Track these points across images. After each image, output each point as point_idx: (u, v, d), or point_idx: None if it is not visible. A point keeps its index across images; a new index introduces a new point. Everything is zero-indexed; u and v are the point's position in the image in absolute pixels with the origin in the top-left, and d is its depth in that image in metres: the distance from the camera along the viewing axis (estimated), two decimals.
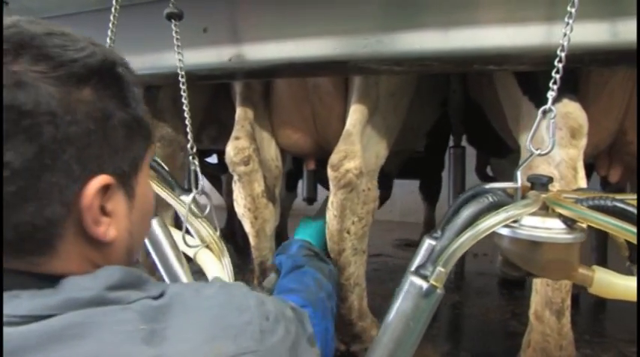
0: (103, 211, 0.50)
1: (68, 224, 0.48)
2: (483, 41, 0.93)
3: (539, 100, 1.07)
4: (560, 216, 0.64)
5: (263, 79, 1.25)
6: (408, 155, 2.62)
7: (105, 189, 0.50)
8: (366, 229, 1.17)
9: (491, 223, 0.57)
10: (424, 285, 0.58)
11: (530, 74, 1.08)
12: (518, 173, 0.69)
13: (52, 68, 0.47)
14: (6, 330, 0.42)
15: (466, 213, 0.61)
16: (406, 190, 3.01)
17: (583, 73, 1.05)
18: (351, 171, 1.05)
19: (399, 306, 0.60)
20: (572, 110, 0.96)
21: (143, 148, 0.56)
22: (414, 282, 0.59)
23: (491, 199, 0.62)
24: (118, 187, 0.52)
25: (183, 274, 0.92)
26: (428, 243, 0.84)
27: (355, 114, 1.10)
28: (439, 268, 0.57)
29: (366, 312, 1.29)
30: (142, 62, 1.25)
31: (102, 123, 0.49)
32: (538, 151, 0.71)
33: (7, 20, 0.49)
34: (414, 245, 3.22)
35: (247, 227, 1.25)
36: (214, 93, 1.64)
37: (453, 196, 2.45)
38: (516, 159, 2.12)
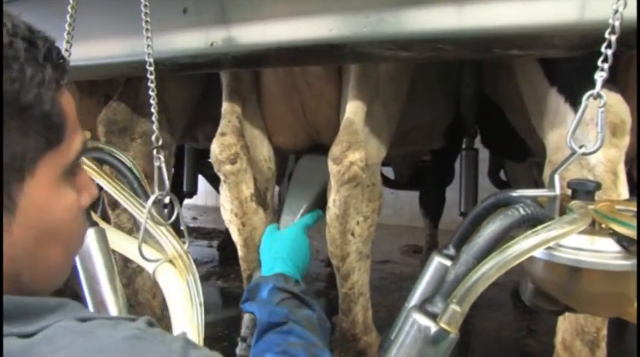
0: None
1: None
2: (506, 19, 0.78)
3: (571, 91, 0.92)
4: (613, 235, 0.49)
5: (251, 68, 1.11)
6: (417, 160, 2.45)
7: None
8: (372, 230, 1.04)
9: (527, 246, 0.42)
10: (432, 327, 0.43)
11: (559, 62, 0.92)
12: (556, 178, 0.53)
13: None
14: None
15: (490, 230, 0.46)
16: (415, 193, 2.88)
17: (623, 58, 0.89)
18: (356, 163, 0.91)
19: (401, 352, 0.45)
20: (612, 103, 0.80)
21: (37, 147, 0.42)
22: (418, 322, 0.44)
23: (522, 211, 0.47)
24: None
25: (113, 303, 0.78)
26: (437, 262, 0.69)
27: (355, 100, 0.97)
28: (453, 307, 0.42)
29: (371, 325, 1.17)
30: (116, 49, 1.12)
31: None
32: (582, 150, 0.56)
33: None
34: (421, 251, 3.07)
35: (234, 235, 1.12)
36: (206, 85, 1.51)
37: (465, 203, 2.29)
38: (536, 163, 1.98)
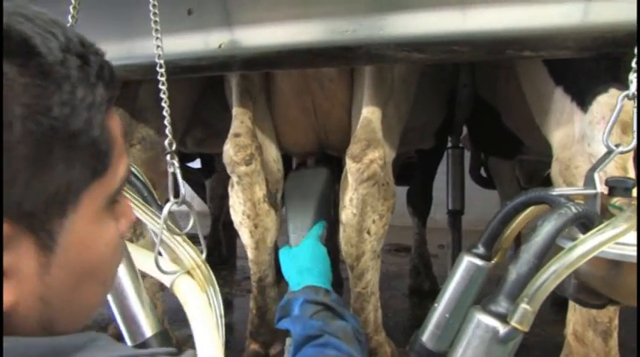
0: None
1: None
2: (521, 21, 0.80)
3: (576, 90, 0.95)
4: None
5: (261, 71, 1.10)
6: (405, 157, 2.47)
7: None
8: (386, 229, 1.05)
9: (594, 244, 0.44)
10: (500, 327, 0.44)
11: (564, 62, 0.95)
12: (596, 176, 0.55)
13: None
14: None
15: (547, 229, 0.47)
16: None
17: (626, 58, 0.93)
18: (375, 161, 0.93)
19: (468, 353, 0.45)
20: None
21: (82, 178, 0.37)
22: (485, 323, 0.45)
23: (574, 210, 0.48)
24: (21, 234, 0.34)
25: (144, 318, 0.75)
26: (467, 261, 0.70)
27: (372, 101, 0.98)
28: (524, 307, 0.43)
29: (381, 325, 1.18)
30: (115, 51, 1.08)
31: None
32: (620, 149, 0.57)
33: None
34: (403, 250, 3.10)
35: (245, 238, 1.10)
36: (202, 89, 1.48)
37: (452, 200, 2.33)
38: (518, 160, 2.03)
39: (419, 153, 2.28)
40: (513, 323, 0.43)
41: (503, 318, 0.44)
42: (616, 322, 0.89)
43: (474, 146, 2.21)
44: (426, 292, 2.29)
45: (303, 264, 0.95)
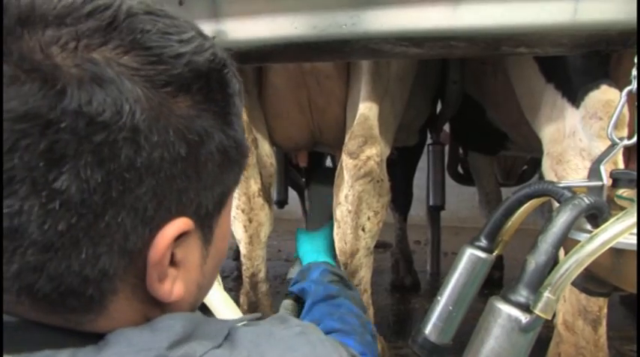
0: (171, 262, 0.37)
1: (128, 277, 0.35)
2: (520, 18, 0.81)
3: (567, 87, 0.98)
4: None
5: (256, 65, 1.08)
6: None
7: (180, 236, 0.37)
8: (380, 226, 1.06)
9: (613, 233, 0.45)
10: (522, 316, 0.45)
11: (555, 60, 0.98)
12: (602, 168, 0.57)
13: (148, 64, 0.33)
14: None
15: (562, 220, 0.48)
16: None
17: (614, 56, 0.96)
18: (372, 158, 0.93)
19: (490, 342, 0.46)
20: (613, 97, 0.86)
21: (234, 179, 0.42)
22: (506, 312, 0.46)
23: (587, 201, 0.49)
24: (195, 231, 0.38)
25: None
26: (470, 253, 0.71)
27: (369, 97, 0.98)
28: (547, 295, 0.44)
29: (371, 322, 1.18)
30: None
31: (196, 148, 0.36)
32: (624, 142, 0.59)
33: None
34: (380, 246, 3.12)
35: (239, 232, 1.09)
36: None
37: (433, 196, 2.36)
38: (498, 158, 2.08)
39: (399, 149, 2.30)
40: (537, 312, 0.44)
41: (524, 307, 0.45)
42: (605, 310, 0.92)
43: (457, 142, 2.24)
44: (408, 287, 2.32)
45: (320, 247, 1.06)
